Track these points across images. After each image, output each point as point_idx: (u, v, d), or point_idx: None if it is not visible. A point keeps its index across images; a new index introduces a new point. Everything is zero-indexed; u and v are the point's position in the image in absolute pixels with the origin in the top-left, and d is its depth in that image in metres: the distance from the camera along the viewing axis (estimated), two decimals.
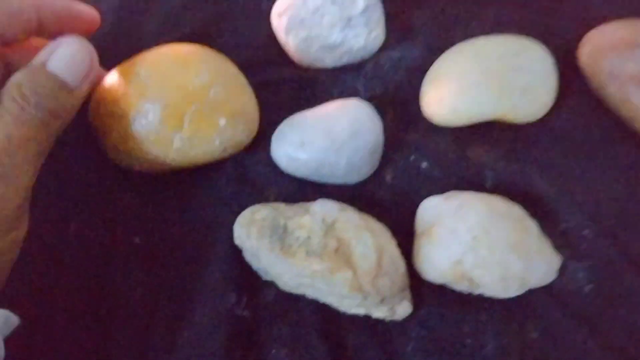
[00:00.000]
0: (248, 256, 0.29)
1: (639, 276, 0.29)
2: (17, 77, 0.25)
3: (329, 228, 0.28)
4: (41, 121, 0.25)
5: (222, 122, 0.30)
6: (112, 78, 0.31)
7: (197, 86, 0.30)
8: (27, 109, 0.24)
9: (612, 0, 0.31)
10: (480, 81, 0.31)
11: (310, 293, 0.28)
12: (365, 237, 0.28)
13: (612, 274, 0.29)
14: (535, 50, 0.32)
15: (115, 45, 0.38)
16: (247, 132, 0.32)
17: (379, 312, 0.28)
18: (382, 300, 0.28)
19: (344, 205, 0.30)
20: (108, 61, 0.35)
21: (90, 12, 0.31)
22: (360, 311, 0.28)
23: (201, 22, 0.38)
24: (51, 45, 0.27)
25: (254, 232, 0.28)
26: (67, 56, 0.27)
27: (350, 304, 0.28)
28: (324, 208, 0.29)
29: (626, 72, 0.31)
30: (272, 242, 0.27)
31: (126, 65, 0.31)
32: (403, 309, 0.28)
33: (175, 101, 0.29)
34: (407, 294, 0.29)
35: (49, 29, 0.29)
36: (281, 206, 0.29)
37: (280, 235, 0.28)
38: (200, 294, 0.29)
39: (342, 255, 0.27)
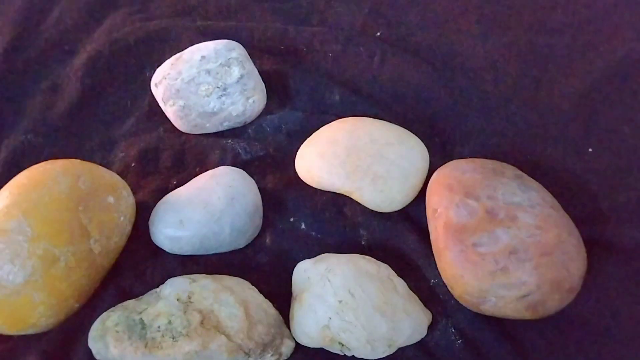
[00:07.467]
0: None
1: (502, 329, 0.30)
2: None
3: (187, 304, 0.27)
4: None
5: None
6: None
7: None
8: None
9: None
10: (340, 156, 0.32)
11: None
12: (225, 297, 0.27)
13: (478, 329, 0.30)
14: (413, 148, 0.33)
15: None
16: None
17: None
18: (265, 348, 0.27)
19: (194, 276, 0.29)
20: None
21: None
22: None
23: (87, 87, 0.38)
24: None
25: (111, 340, 0.26)
26: None
27: None
28: (174, 287, 0.28)
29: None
30: (133, 342, 0.26)
31: None
32: (287, 348, 0.28)
33: None
34: (285, 331, 0.28)
35: None
36: (130, 303, 0.28)
37: (140, 332, 0.26)
38: None
39: (209, 324, 0.27)
